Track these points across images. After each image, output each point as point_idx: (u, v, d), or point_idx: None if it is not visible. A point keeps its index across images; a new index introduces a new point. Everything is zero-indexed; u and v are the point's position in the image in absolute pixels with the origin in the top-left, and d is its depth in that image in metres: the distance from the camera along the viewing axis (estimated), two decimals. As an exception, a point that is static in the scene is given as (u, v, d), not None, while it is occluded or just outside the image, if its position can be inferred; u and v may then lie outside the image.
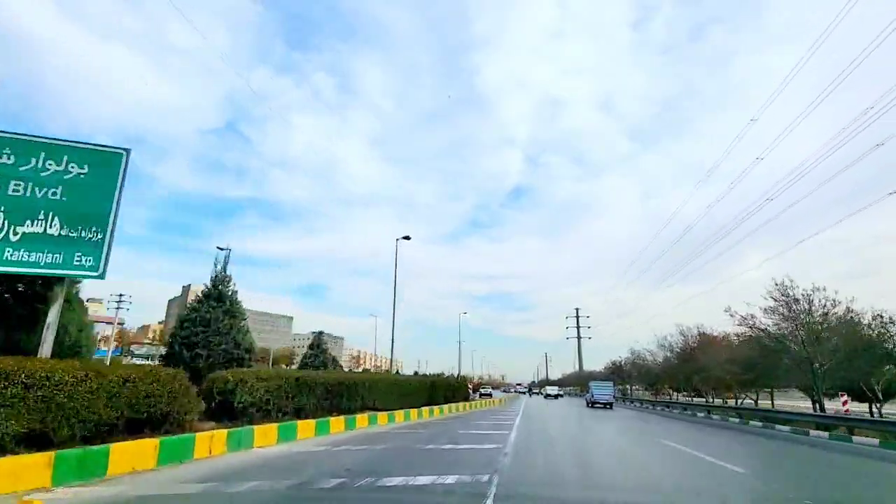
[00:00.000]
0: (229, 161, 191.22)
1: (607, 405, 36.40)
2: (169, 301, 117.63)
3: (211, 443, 8.40)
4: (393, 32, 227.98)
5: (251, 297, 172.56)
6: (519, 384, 78.99)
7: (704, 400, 36.86)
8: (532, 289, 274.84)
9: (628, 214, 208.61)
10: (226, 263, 17.19)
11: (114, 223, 8.82)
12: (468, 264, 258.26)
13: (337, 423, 12.96)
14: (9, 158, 8.44)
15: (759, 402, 33.57)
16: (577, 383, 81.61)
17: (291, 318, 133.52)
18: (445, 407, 23.52)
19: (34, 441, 6.24)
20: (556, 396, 61.93)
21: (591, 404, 37.34)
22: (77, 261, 8.56)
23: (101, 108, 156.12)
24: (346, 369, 73.11)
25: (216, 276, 16.74)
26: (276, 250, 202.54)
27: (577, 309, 75.49)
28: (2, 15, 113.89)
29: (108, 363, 13.12)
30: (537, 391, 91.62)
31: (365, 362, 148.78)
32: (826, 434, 16.70)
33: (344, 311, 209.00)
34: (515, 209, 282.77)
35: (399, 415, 17.32)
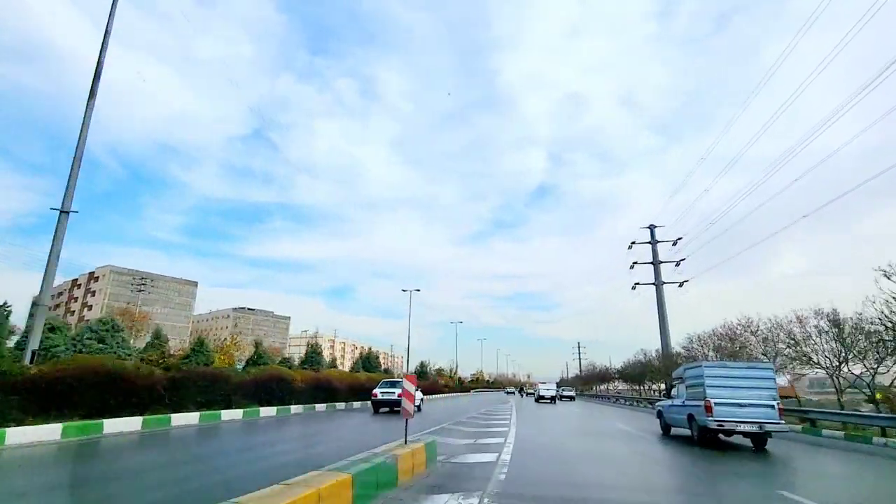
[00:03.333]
0: (256, 167, 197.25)
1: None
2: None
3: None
4: (412, 36, 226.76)
5: (282, 299, 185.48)
6: (543, 383, 54.87)
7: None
8: (557, 287, 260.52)
9: (654, 210, 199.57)
10: None
11: None
12: (492, 265, 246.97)
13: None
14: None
15: None
16: (636, 373, 44.50)
17: (195, 284, 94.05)
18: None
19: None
20: (552, 399, 41.16)
21: (716, 433, 11.63)
22: None
23: (135, 119, 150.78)
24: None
25: None
26: (303, 254, 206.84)
27: (651, 227, 39.00)
28: (43, 33, 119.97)
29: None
30: (530, 391, 75.83)
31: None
32: None
33: (368, 312, 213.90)
34: (539, 208, 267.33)
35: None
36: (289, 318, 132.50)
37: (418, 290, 39.27)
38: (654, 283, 37.94)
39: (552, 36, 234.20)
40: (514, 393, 72.56)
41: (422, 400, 24.80)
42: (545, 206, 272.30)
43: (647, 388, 43.18)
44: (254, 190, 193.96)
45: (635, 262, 38.81)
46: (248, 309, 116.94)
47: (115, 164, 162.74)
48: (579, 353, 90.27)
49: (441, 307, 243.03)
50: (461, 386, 72.64)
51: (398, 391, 19.95)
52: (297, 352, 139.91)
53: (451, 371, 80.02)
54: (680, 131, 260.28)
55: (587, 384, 60.25)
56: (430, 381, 49.91)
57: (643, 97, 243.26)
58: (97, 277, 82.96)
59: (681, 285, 37.46)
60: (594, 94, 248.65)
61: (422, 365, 59.07)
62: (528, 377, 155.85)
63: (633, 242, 39.43)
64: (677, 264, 37.83)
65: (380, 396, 20.76)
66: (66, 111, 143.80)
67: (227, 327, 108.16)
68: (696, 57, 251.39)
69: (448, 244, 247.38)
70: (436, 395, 45.91)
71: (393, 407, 20.20)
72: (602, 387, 61.68)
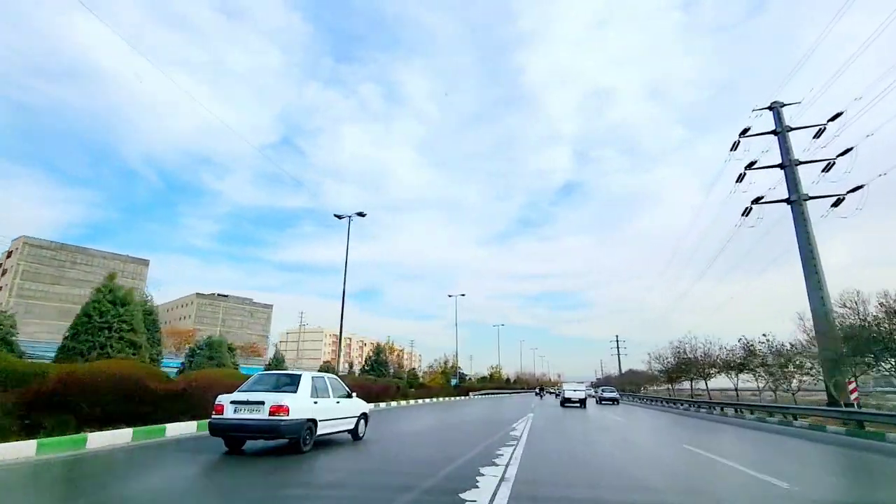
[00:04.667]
0: (285, 173, 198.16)
1: None
2: None
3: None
4: (436, 37, 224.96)
5: (312, 302, 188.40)
6: (581, 382, 43.52)
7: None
8: (587, 286, 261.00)
9: (687, 205, 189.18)
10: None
11: None
12: (519, 264, 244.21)
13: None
14: None
15: None
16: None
17: (146, 264, 78.68)
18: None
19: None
20: (580, 403, 31.24)
21: None
22: None
23: (170, 131, 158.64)
24: None
25: None
26: (331, 257, 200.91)
27: (774, 106, 20.92)
28: (86, 59, 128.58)
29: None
30: (552, 391, 71.53)
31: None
32: None
33: (397, 314, 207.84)
34: (566, 206, 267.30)
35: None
36: (271, 306, 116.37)
37: (362, 215, 26.76)
38: (786, 201, 20.57)
39: (577, 30, 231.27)
40: (540, 395, 58.57)
41: (364, 417, 10.83)
42: (573, 203, 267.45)
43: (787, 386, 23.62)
44: (283, 196, 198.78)
45: (752, 164, 21.51)
46: (219, 295, 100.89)
47: (152, 174, 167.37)
48: (618, 348, 75.23)
49: (467, 307, 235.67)
50: (458, 386, 54.88)
51: (276, 402, 7.97)
52: (291, 348, 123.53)
53: (446, 365, 62.21)
54: (711, 123, 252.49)
55: (674, 377, 40.14)
56: (384, 380, 32.38)
57: (672, 89, 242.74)
58: (11, 252, 68.14)
59: (837, 203, 20.05)
60: (621, 87, 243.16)
61: (377, 350, 37.25)
62: (559, 376, 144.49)
63: (745, 131, 22.10)
64: (827, 167, 20.49)
65: (230, 415, 8.09)
66: (106, 127, 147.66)
67: (189, 316, 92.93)
68: (727, 45, 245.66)
69: (474, 244, 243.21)
70: (400, 403, 29.22)
71: (262, 435, 8.00)
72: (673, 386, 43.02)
